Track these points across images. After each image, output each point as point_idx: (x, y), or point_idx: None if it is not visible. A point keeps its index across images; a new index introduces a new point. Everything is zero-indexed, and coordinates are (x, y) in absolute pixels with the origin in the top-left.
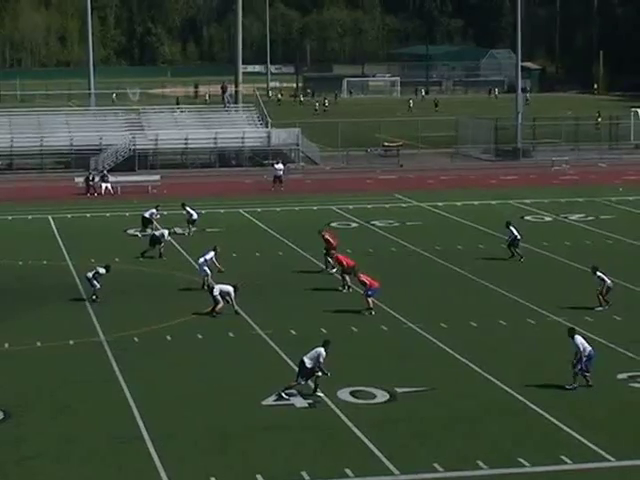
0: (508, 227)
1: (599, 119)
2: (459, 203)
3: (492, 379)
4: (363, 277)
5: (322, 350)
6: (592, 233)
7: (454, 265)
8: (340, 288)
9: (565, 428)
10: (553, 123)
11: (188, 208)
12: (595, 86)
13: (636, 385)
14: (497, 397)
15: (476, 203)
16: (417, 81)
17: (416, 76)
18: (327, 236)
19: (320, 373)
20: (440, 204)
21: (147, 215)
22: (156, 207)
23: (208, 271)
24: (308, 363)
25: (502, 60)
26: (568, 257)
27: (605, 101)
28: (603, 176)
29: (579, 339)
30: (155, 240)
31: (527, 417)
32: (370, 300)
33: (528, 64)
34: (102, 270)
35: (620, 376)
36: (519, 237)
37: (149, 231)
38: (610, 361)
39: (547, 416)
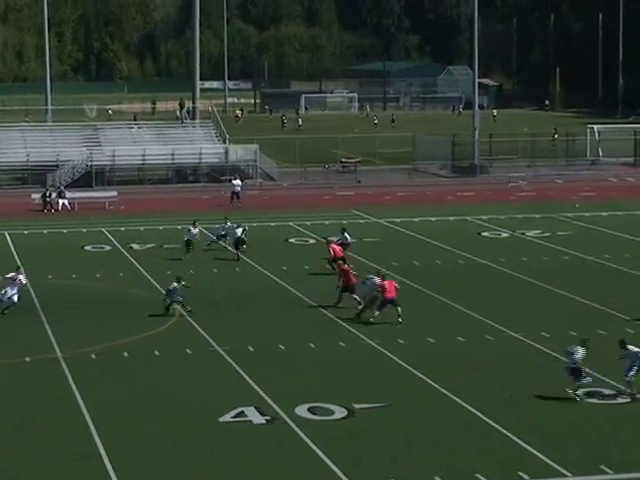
0: (343, 233)
1: (555, 135)
2: (416, 219)
3: (450, 395)
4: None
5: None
6: (549, 249)
7: (411, 281)
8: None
9: (522, 444)
10: (510, 139)
11: (229, 223)
12: (547, 102)
13: (593, 401)
14: (455, 413)
15: (433, 219)
16: (375, 97)
17: (374, 92)
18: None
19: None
20: (397, 220)
21: (189, 238)
22: (193, 223)
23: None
24: (577, 363)
25: (459, 76)
26: (525, 273)
27: (561, 117)
28: (560, 192)
29: (634, 347)
30: (239, 241)
31: (484, 433)
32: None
33: (485, 80)
34: (175, 284)
35: (577, 392)
36: (349, 242)
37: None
38: (567, 377)
39: (504, 431)
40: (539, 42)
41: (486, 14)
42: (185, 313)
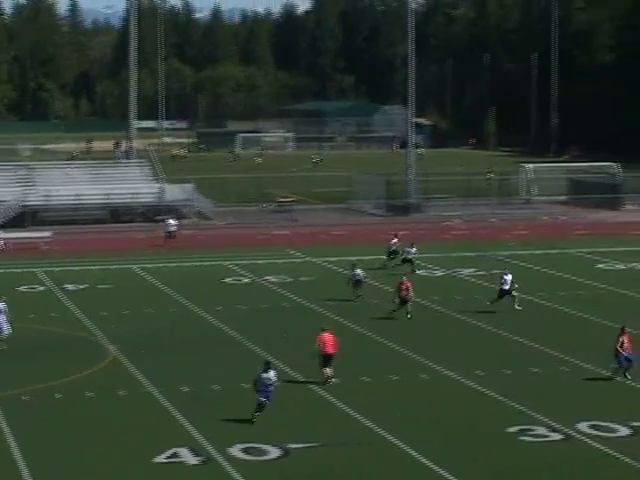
0: (353, 270)
1: (491, 174)
2: (352, 258)
3: (383, 433)
4: None
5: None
6: (483, 288)
7: (348, 320)
8: None
9: (452, 478)
10: (445, 178)
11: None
12: (471, 141)
13: (525, 438)
14: (388, 451)
15: (367, 258)
16: (311, 137)
17: (310, 132)
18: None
19: None
20: (332, 259)
21: (410, 256)
22: (411, 245)
23: None
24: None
25: (394, 116)
26: (458, 311)
27: (494, 156)
28: (494, 231)
29: None
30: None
31: (418, 468)
32: None
33: (420, 120)
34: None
35: (510, 429)
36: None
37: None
38: (500, 414)
39: (439, 470)
40: (473, 82)
41: (421, 55)
42: None
